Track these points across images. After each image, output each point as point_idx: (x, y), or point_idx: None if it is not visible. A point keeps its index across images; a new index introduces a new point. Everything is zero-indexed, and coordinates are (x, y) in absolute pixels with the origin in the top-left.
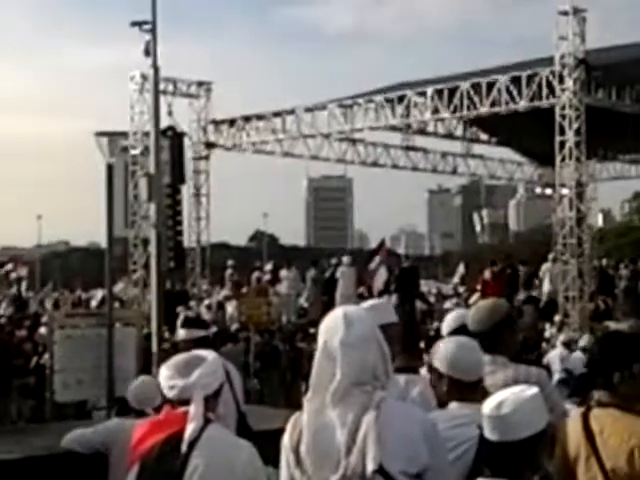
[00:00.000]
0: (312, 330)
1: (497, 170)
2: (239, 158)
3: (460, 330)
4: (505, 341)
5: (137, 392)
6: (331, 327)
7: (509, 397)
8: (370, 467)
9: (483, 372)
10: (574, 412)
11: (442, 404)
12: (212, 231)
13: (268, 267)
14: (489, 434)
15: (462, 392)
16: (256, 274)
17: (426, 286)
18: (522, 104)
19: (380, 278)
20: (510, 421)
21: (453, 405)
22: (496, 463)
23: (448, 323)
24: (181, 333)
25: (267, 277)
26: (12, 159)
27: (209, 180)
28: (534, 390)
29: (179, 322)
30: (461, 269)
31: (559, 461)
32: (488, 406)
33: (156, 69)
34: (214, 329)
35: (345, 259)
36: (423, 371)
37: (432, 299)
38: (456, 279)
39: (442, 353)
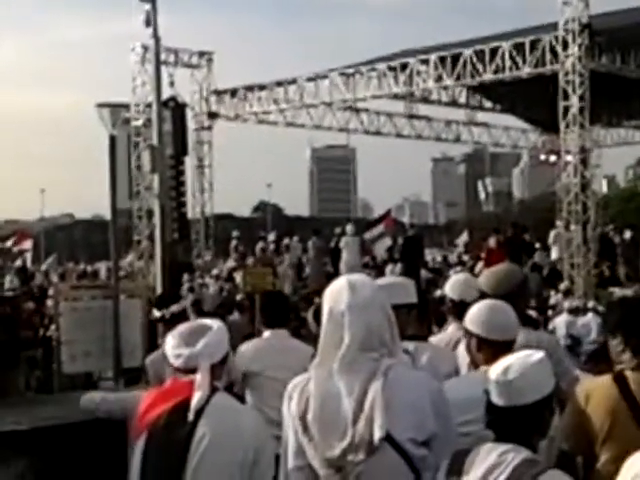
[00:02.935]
0: (316, 300)
1: (501, 137)
2: (242, 128)
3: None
4: (519, 306)
5: (157, 366)
6: (336, 293)
7: (515, 362)
8: (377, 435)
9: (516, 331)
10: (597, 378)
11: (478, 367)
12: (216, 202)
13: (271, 237)
14: (496, 399)
15: (496, 354)
16: (260, 244)
17: (430, 254)
18: (526, 70)
19: (383, 247)
20: (517, 386)
21: (486, 368)
22: (503, 428)
23: (452, 287)
24: (154, 313)
25: (271, 247)
26: (14, 133)
27: (212, 151)
28: (540, 354)
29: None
30: (465, 236)
31: (576, 428)
32: (495, 371)
33: (157, 39)
34: (187, 302)
35: (349, 228)
36: (432, 339)
37: (437, 267)
38: (460, 247)
39: (476, 316)
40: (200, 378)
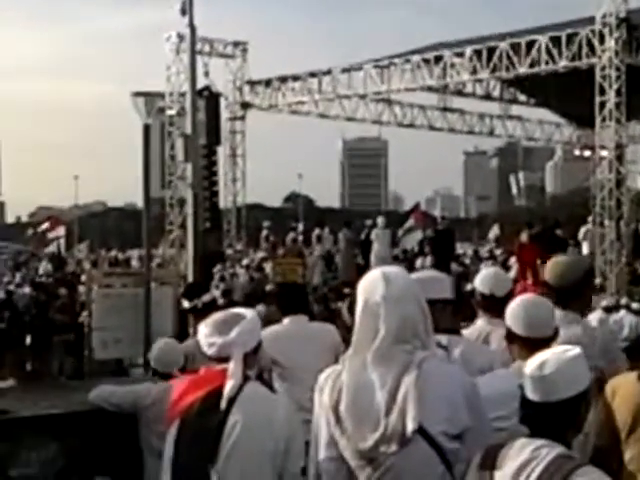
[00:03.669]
0: (346, 290)
1: (535, 131)
2: (274, 119)
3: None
4: (582, 297)
5: (160, 355)
6: (370, 285)
7: (551, 357)
8: (410, 427)
9: (554, 327)
10: (623, 375)
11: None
12: (247, 192)
13: (300, 228)
14: (531, 394)
15: (534, 350)
16: (291, 235)
17: (461, 248)
18: (562, 64)
19: (413, 240)
20: (552, 381)
21: (521, 362)
22: (537, 423)
23: (483, 281)
24: (184, 303)
25: (301, 238)
26: (50, 122)
27: (245, 141)
28: (577, 350)
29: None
30: (495, 230)
31: (604, 425)
32: (530, 366)
33: (193, 28)
34: (217, 291)
35: (380, 221)
36: (465, 332)
37: (467, 261)
38: (490, 241)
39: (512, 312)
40: (233, 367)
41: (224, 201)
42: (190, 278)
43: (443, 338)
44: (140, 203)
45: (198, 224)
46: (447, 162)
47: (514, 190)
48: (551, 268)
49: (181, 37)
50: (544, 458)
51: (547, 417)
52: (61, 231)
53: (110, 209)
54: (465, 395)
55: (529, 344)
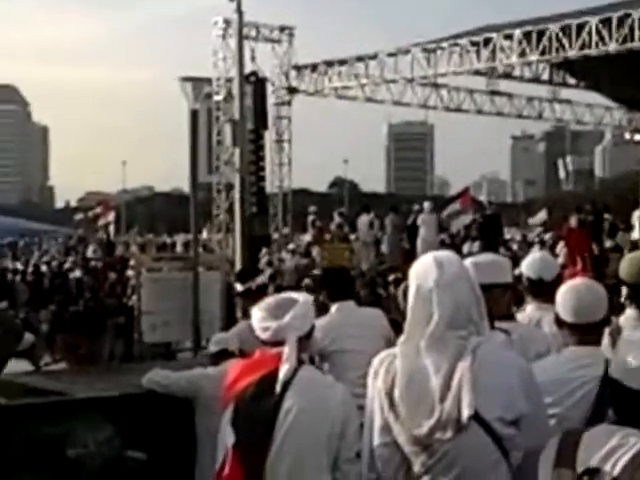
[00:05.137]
0: (392, 277)
1: (584, 115)
2: (320, 104)
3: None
4: None
5: (216, 337)
6: (423, 270)
7: None
8: (465, 413)
9: (604, 312)
10: None
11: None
12: (293, 177)
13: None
14: (630, 383)
15: (582, 335)
16: (338, 220)
17: (509, 233)
18: (613, 46)
19: (460, 224)
20: None
21: (571, 348)
22: (631, 412)
23: (530, 266)
24: (237, 286)
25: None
26: (99, 107)
27: (291, 126)
28: None
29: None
30: (543, 215)
31: None
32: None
33: (240, 13)
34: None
35: (426, 205)
36: (519, 316)
37: (515, 246)
38: (535, 226)
39: (561, 298)
40: (287, 351)
41: (270, 186)
42: (237, 262)
43: (503, 324)
44: (187, 188)
45: (245, 208)
46: (494, 146)
47: (562, 174)
48: (624, 265)
49: (228, 22)
50: (633, 446)
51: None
52: (110, 216)
53: (157, 194)
54: (521, 381)
55: (579, 330)
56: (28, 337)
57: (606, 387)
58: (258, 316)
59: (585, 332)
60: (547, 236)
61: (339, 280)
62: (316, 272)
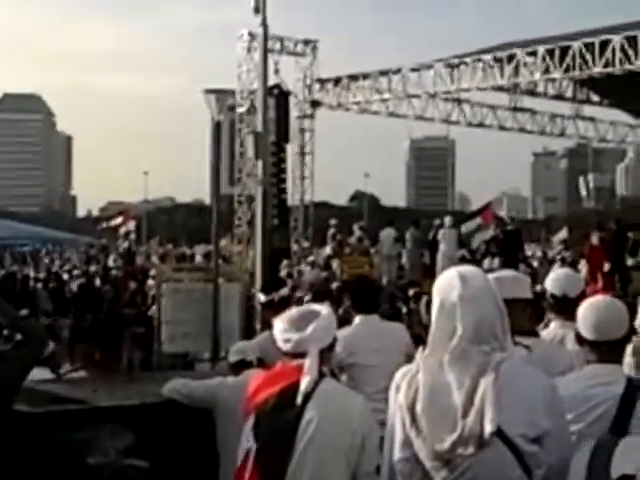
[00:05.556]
0: (412, 291)
1: (607, 133)
2: (343, 117)
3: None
4: None
5: (236, 346)
6: (447, 285)
7: None
8: (488, 429)
9: (626, 329)
10: None
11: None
12: (314, 190)
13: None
14: None
15: (602, 353)
16: (358, 233)
17: (529, 250)
18: (637, 64)
19: (480, 239)
20: None
21: (591, 366)
22: None
23: (555, 282)
24: (260, 297)
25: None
26: (121, 116)
27: (313, 139)
28: None
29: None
30: (564, 233)
31: None
32: None
33: (265, 27)
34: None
35: (447, 220)
36: (543, 333)
37: (535, 263)
38: (557, 244)
39: (581, 316)
40: (309, 363)
41: (291, 199)
42: (258, 274)
43: (526, 341)
44: (208, 199)
45: (267, 221)
46: (515, 163)
47: (583, 192)
48: None
49: (252, 35)
50: None
51: None
52: (131, 225)
53: (178, 205)
54: (545, 398)
55: (599, 347)
56: (49, 345)
57: (627, 405)
58: (280, 327)
59: (605, 350)
60: (567, 254)
61: (366, 291)
62: (335, 285)
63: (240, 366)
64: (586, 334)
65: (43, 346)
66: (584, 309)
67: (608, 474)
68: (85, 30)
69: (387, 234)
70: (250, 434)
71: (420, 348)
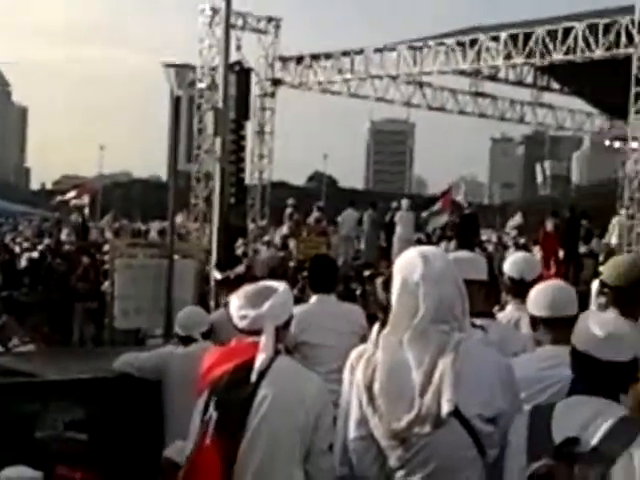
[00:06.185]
0: (367, 272)
1: (565, 120)
2: (304, 97)
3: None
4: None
5: (184, 318)
6: (408, 264)
7: (619, 321)
8: (445, 408)
9: (576, 309)
10: None
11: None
12: (273, 170)
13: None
14: (599, 352)
15: (556, 331)
16: (316, 214)
17: (484, 235)
18: (598, 53)
19: (436, 223)
20: (622, 341)
21: (543, 348)
22: (600, 382)
23: (512, 265)
24: (215, 274)
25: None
26: (77, 87)
27: (274, 118)
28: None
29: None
30: (517, 219)
31: None
32: (601, 325)
33: (228, 1)
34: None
35: (404, 203)
36: (500, 315)
37: (490, 248)
38: (510, 229)
39: (533, 297)
40: (264, 340)
41: (249, 177)
42: (214, 252)
43: (479, 320)
44: (164, 175)
45: (224, 199)
46: (474, 148)
47: (539, 179)
48: (608, 269)
49: (215, 10)
50: (608, 416)
51: (610, 376)
52: (85, 200)
53: (135, 180)
54: (501, 378)
55: (552, 325)
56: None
57: (578, 387)
58: (236, 304)
59: (559, 328)
60: (522, 239)
61: (325, 270)
62: (291, 264)
63: (187, 341)
64: (539, 312)
65: None
66: (536, 290)
67: (551, 439)
68: (40, 1)
69: (348, 215)
70: (211, 405)
71: (375, 328)
